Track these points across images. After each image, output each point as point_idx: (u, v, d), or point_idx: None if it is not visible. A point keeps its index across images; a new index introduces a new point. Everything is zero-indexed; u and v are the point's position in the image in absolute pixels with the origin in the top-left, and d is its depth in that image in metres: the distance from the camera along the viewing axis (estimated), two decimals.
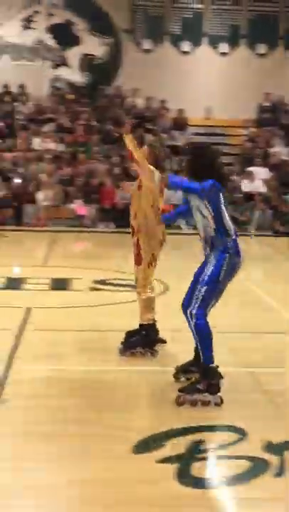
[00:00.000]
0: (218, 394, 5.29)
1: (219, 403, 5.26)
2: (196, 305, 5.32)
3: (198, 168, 5.48)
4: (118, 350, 6.56)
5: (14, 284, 10.14)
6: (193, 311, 5.31)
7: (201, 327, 5.31)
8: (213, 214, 5.39)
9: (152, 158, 6.47)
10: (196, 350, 5.50)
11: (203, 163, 5.49)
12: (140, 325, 6.64)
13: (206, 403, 5.25)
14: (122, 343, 6.62)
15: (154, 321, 6.63)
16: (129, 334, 6.66)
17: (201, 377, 5.35)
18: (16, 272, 11.77)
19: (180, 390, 5.33)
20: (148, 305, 6.60)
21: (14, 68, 21.92)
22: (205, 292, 5.31)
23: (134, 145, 6.27)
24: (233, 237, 5.44)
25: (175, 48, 22.51)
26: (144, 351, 6.54)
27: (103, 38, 22.29)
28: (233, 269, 5.42)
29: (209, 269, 5.35)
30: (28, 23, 21.81)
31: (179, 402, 5.24)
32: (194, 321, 5.31)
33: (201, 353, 5.38)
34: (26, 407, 5.21)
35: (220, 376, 5.35)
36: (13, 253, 14.16)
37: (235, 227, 5.53)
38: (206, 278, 5.32)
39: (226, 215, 5.44)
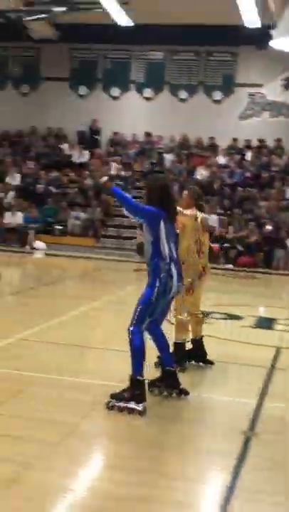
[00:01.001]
0: (143, 403, 5.43)
1: (142, 412, 5.37)
2: (133, 323, 5.53)
3: (150, 196, 5.71)
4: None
5: (265, 323, 10.11)
6: (130, 328, 5.53)
7: (133, 343, 5.50)
8: (151, 239, 5.61)
9: (192, 198, 6.99)
10: (162, 367, 5.96)
11: (152, 194, 5.70)
12: (174, 343, 6.73)
13: (130, 410, 5.38)
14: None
15: (186, 341, 6.92)
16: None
17: (129, 386, 5.49)
18: (267, 312, 11.71)
19: (110, 396, 5.52)
20: (179, 326, 6.82)
21: (272, 124, 22.13)
22: (139, 312, 5.54)
23: None
24: (167, 261, 5.57)
25: None
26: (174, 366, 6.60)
27: None
28: (165, 291, 5.60)
29: (144, 291, 5.59)
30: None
31: (108, 407, 5.44)
32: (129, 337, 5.52)
33: (131, 365, 5.51)
34: (277, 442, 5.12)
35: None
36: (263, 294, 14.16)
37: (174, 255, 5.65)
38: (141, 299, 5.57)
39: (165, 242, 5.60)
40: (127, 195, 5.67)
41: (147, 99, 22.86)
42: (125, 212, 5.74)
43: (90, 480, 4.33)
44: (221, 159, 21.49)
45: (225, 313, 10.47)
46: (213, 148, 21.83)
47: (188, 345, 7.14)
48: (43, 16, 18.06)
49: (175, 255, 5.71)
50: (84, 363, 7.26)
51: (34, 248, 19.05)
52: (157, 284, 5.54)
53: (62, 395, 5.88)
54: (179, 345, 6.85)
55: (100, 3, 17.62)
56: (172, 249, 5.68)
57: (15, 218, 19.68)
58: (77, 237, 19.69)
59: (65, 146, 22.54)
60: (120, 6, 18.09)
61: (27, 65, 23.53)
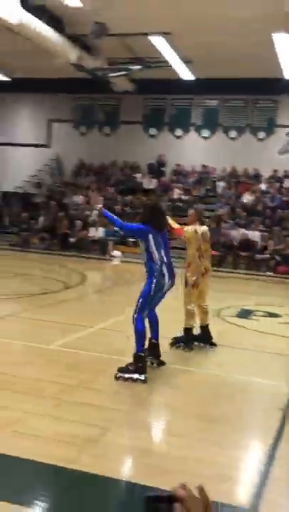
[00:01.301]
0: (145, 374, 5.60)
1: (144, 381, 5.54)
2: (136, 311, 5.76)
3: (143, 214, 6.03)
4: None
5: None
6: (134, 316, 5.77)
7: (137, 327, 5.73)
8: (144, 248, 5.88)
9: (196, 216, 7.26)
10: (149, 343, 6.08)
11: (144, 212, 6.00)
12: (184, 328, 7.04)
13: (134, 380, 5.51)
14: (172, 338, 7.03)
15: (193, 326, 7.09)
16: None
17: (133, 362, 5.67)
18: None
19: (118, 369, 5.64)
20: (188, 314, 7.04)
21: None
22: (140, 303, 5.79)
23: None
24: (158, 264, 5.82)
25: None
26: (183, 346, 6.97)
27: None
28: (160, 288, 5.89)
29: (144, 288, 5.85)
30: None
31: (116, 378, 5.55)
32: (134, 323, 5.73)
33: (135, 344, 5.71)
34: None
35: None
36: None
37: (164, 259, 5.91)
38: (141, 293, 5.83)
39: (154, 250, 5.85)
40: (116, 217, 5.93)
41: (204, 138, 22.71)
42: (116, 230, 6.06)
43: (152, 443, 4.33)
44: (264, 186, 21.14)
45: (266, 312, 10.29)
46: (257, 177, 21.50)
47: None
48: (123, 73, 18.25)
49: (166, 259, 5.96)
50: None
51: (112, 256, 19.21)
52: (154, 282, 5.79)
53: None
54: (187, 330, 7.07)
55: (168, 62, 17.69)
56: (162, 254, 5.93)
57: (97, 232, 19.91)
58: None
59: (138, 176, 22.68)
60: (184, 64, 18.10)
61: (109, 112, 23.82)
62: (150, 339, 6.16)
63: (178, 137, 22.97)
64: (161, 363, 6.20)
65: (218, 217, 19.43)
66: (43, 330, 7.72)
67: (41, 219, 20.96)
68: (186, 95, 22.04)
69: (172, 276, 6.02)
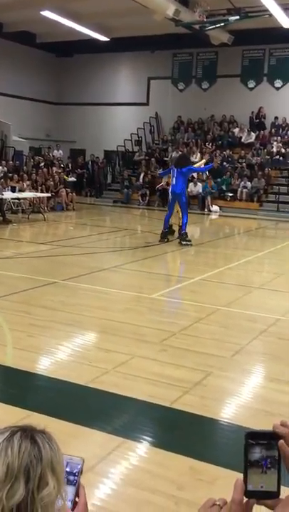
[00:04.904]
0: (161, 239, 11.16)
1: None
2: None
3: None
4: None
5: None
6: None
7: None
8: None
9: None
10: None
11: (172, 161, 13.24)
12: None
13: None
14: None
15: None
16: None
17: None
18: None
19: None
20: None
21: None
22: None
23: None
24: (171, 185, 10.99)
25: None
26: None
27: None
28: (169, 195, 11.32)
29: None
30: None
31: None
32: None
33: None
34: None
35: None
36: None
37: (173, 182, 10.78)
38: None
39: (172, 178, 10.80)
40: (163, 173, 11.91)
41: None
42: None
43: (253, 388, 4.31)
44: None
45: None
46: None
47: None
48: (221, 24, 17.48)
49: (173, 183, 10.78)
50: (250, 299, 7.16)
51: (210, 211, 19.04)
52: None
53: (234, 323, 5.87)
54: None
55: (267, 11, 16.63)
56: (173, 180, 10.71)
57: (196, 188, 19.73)
58: (245, 202, 19.29)
59: (236, 130, 22.01)
60: (284, 12, 16.90)
61: (206, 66, 23.12)
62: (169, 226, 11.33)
63: (277, 88, 21.87)
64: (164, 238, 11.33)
65: None
66: (145, 280, 7.86)
67: (142, 176, 21.06)
68: (286, 44, 20.79)
69: (172, 193, 10.82)
